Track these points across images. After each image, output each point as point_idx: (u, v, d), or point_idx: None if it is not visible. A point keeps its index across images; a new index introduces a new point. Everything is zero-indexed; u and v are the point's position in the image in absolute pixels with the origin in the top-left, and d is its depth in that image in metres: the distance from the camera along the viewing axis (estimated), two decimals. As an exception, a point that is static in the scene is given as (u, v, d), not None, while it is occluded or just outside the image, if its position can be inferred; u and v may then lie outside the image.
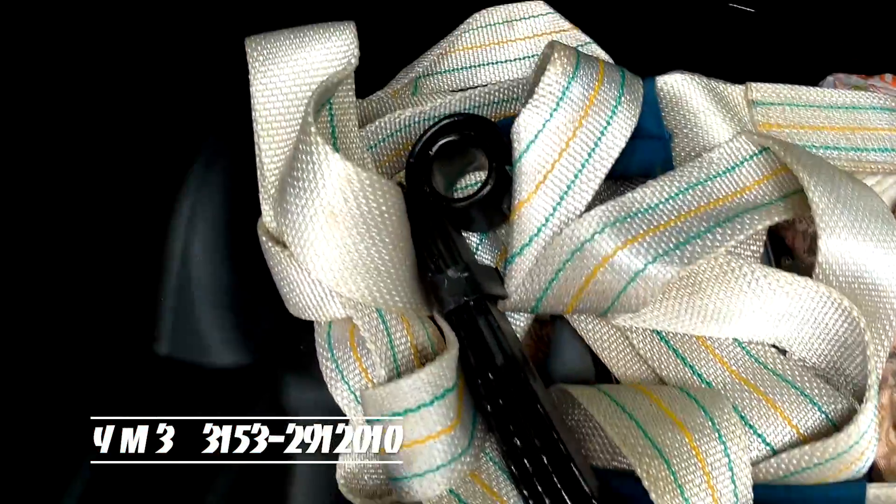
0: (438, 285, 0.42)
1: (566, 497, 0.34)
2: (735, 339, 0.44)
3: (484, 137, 0.46)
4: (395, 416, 0.34)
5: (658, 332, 0.44)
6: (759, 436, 0.39)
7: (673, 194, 0.43)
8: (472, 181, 0.49)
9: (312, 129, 0.37)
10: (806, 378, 0.42)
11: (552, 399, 0.41)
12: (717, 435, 0.37)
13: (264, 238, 0.43)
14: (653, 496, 0.34)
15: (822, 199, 0.40)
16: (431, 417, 0.34)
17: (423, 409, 0.34)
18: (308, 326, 0.44)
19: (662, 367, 0.44)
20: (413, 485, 0.35)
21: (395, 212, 0.38)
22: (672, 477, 0.34)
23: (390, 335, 0.38)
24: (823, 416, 0.40)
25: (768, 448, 0.39)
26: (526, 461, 0.35)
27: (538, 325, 0.50)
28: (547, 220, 0.42)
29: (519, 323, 0.46)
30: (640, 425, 0.37)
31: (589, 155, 0.42)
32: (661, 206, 0.42)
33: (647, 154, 0.46)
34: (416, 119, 0.50)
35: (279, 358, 0.50)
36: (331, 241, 0.37)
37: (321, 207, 0.37)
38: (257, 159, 0.43)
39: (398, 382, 0.34)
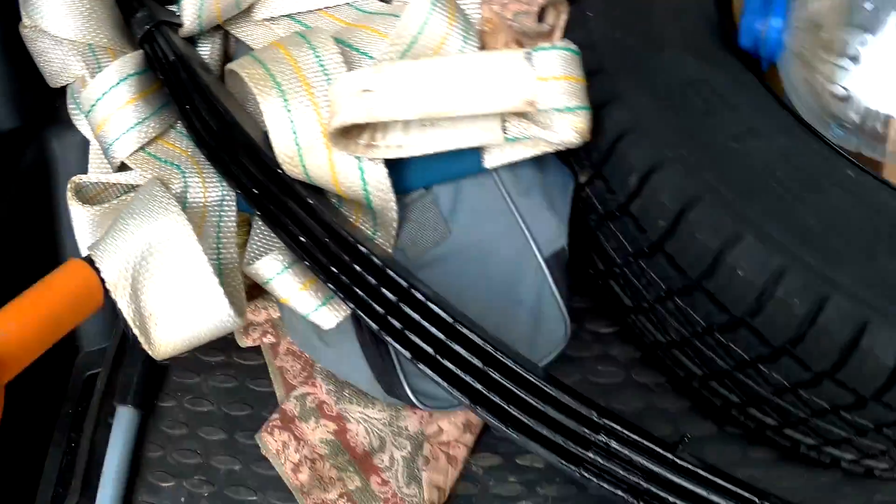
0: (133, 24, 0.64)
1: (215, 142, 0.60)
2: (347, 3, 0.66)
3: None
4: (99, 101, 0.58)
5: (291, 16, 0.66)
6: (358, 50, 0.63)
7: None
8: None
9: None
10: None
11: (219, 83, 0.64)
12: (315, 57, 0.61)
13: (23, 30, 0.64)
14: (263, 106, 0.58)
15: None
16: (120, 92, 0.58)
17: (113, 90, 0.58)
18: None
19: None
20: (114, 148, 0.61)
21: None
22: (279, 91, 0.59)
23: (98, 60, 0.61)
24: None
25: (367, 57, 0.63)
26: (195, 119, 0.61)
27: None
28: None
29: (205, 49, 0.69)
30: (265, 65, 0.61)
31: None
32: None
33: None
34: None
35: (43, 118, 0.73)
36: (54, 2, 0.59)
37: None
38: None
39: (97, 77, 0.58)
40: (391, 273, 0.59)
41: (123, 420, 0.71)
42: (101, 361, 0.74)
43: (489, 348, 0.57)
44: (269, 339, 0.73)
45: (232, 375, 0.74)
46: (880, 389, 0.54)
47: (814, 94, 0.66)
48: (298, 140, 0.60)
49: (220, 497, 0.70)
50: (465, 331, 0.58)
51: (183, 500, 0.70)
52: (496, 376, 0.57)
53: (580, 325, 0.73)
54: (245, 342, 0.74)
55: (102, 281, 0.60)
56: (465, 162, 0.61)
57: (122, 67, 0.64)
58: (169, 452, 0.72)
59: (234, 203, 0.66)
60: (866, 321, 0.52)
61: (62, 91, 0.69)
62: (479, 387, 0.57)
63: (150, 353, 0.62)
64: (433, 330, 0.58)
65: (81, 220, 0.65)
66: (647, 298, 0.63)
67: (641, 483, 0.57)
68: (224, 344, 0.74)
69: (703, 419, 0.70)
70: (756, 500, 0.57)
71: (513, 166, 0.62)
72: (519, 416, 0.57)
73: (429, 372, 0.58)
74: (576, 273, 0.69)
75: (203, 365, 0.75)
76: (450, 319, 0.57)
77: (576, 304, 0.73)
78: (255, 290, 0.75)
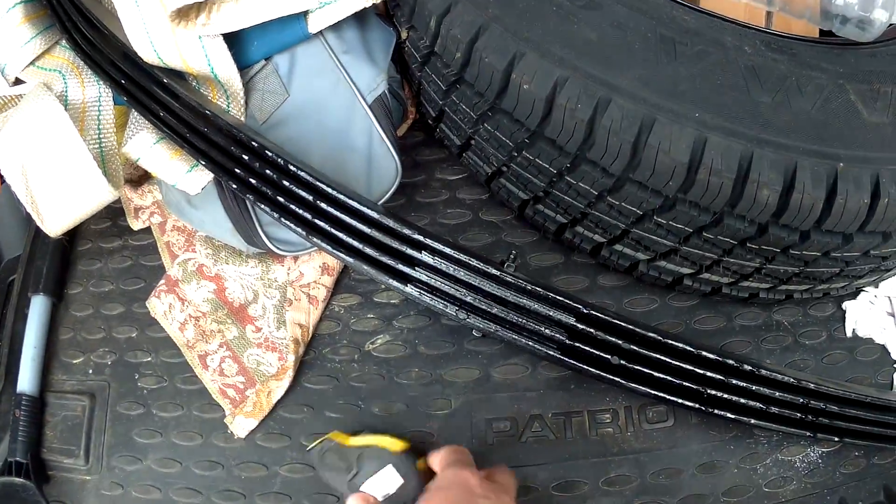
0: None
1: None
2: None
3: None
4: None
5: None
6: None
7: None
8: None
9: None
10: None
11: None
12: None
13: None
14: (115, 3, 0.68)
15: None
16: (12, 16, 0.69)
17: (5, 15, 0.69)
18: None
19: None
20: (9, 66, 0.71)
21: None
22: None
23: None
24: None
25: None
26: (73, 32, 0.71)
27: None
28: None
29: None
30: None
31: None
32: None
33: None
34: None
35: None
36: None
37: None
38: None
39: None
40: (241, 135, 0.68)
41: (37, 307, 0.81)
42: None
43: (323, 186, 0.65)
44: (156, 218, 0.83)
45: (127, 256, 0.84)
46: (681, 187, 0.60)
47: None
48: (147, 28, 0.69)
49: (120, 363, 0.80)
50: (305, 175, 0.66)
51: (90, 371, 0.80)
52: (329, 209, 0.65)
53: (430, 174, 0.81)
54: (136, 224, 0.84)
55: (-1, 171, 0.71)
56: (293, 30, 0.70)
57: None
58: (78, 332, 0.82)
59: (111, 99, 0.76)
60: (653, 119, 0.58)
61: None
62: (317, 221, 0.65)
63: (44, 230, 0.73)
64: (278, 179, 0.66)
65: (-17, 128, 0.76)
66: (467, 132, 0.70)
67: (467, 297, 0.64)
68: (119, 230, 0.85)
69: (550, 251, 0.77)
70: (582, 308, 0.64)
71: (337, 29, 0.70)
72: (350, 241, 0.65)
73: (273, 213, 0.66)
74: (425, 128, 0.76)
75: (103, 251, 0.85)
76: (292, 167, 0.66)
77: (425, 157, 0.80)
78: (143, 179, 0.85)
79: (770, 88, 0.62)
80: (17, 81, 0.79)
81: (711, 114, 0.60)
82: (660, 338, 0.64)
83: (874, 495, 0.75)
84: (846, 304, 0.80)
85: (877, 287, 0.81)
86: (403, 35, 0.71)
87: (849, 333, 0.79)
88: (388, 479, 0.66)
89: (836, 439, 0.70)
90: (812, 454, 0.74)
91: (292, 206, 0.67)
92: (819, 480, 0.74)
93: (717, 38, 0.64)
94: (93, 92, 0.76)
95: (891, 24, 0.71)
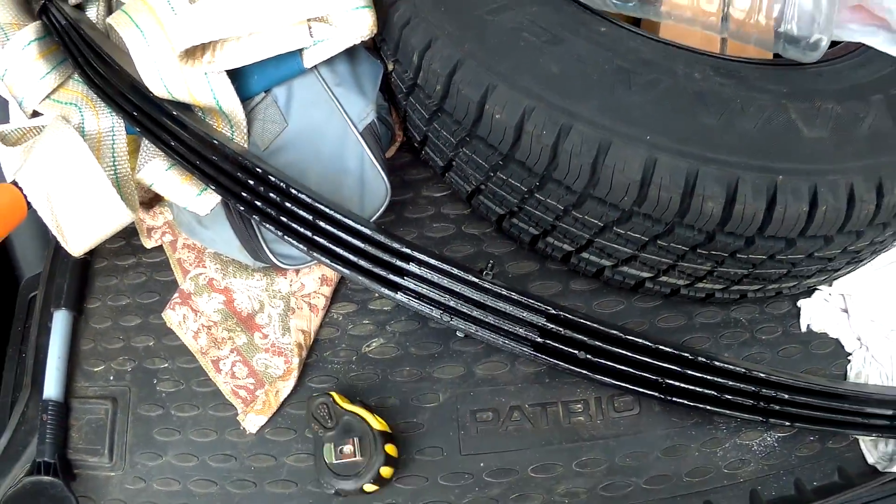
0: (31, 1, 0.83)
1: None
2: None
3: None
4: (11, 65, 0.78)
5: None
6: None
7: None
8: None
9: None
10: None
11: (104, 37, 0.83)
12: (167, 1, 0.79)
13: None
14: (127, 43, 0.76)
15: None
16: (27, 53, 0.78)
17: (21, 53, 0.78)
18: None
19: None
20: (27, 99, 0.80)
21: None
22: (139, 29, 0.77)
23: (6, 34, 0.81)
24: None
25: None
26: (86, 67, 0.79)
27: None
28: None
29: (91, 12, 0.88)
30: (127, 13, 0.79)
31: None
32: None
33: None
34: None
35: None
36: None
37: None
38: None
39: (6, 46, 0.77)
40: (246, 161, 0.77)
41: (59, 321, 0.90)
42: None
43: (321, 206, 0.74)
44: (167, 237, 0.92)
45: (142, 272, 0.93)
46: (635, 201, 0.68)
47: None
48: (158, 66, 0.78)
49: (139, 369, 0.88)
50: (304, 197, 0.75)
51: (111, 377, 0.89)
52: (326, 226, 0.74)
53: (417, 192, 0.90)
54: (149, 243, 0.93)
55: (26, 197, 0.80)
56: (290, 65, 0.78)
57: (26, 35, 0.83)
58: (98, 342, 0.91)
59: (123, 129, 0.85)
60: (609, 142, 0.67)
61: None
62: (315, 237, 0.74)
63: (68, 250, 0.81)
64: (280, 200, 0.75)
65: (7, 158, 0.84)
66: (448, 155, 0.78)
67: (450, 302, 0.73)
68: (133, 249, 0.94)
69: (526, 259, 0.86)
70: (551, 309, 0.73)
71: (330, 63, 0.79)
72: (346, 254, 0.73)
73: (277, 231, 0.75)
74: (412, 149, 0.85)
75: (119, 268, 0.94)
76: (293, 190, 0.74)
77: (413, 176, 0.89)
78: (154, 201, 0.93)
79: (715, 111, 0.70)
80: (35, 114, 0.88)
81: (661, 136, 0.68)
82: (621, 334, 0.73)
83: (829, 476, 0.83)
84: (801, 302, 0.88)
85: (830, 285, 0.89)
86: (390, 67, 0.80)
87: (804, 329, 0.87)
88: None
89: (788, 424, 0.79)
90: (769, 438, 0.82)
91: (294, 225, 0.75)
92: (776, 462, 0.82)
93: (669, 66, 0.73)
94: (107, 123, 0.85)
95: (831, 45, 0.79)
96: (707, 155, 0.68)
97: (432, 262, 0.73)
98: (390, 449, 0.78)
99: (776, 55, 0.81)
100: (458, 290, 0.74)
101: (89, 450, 0.86)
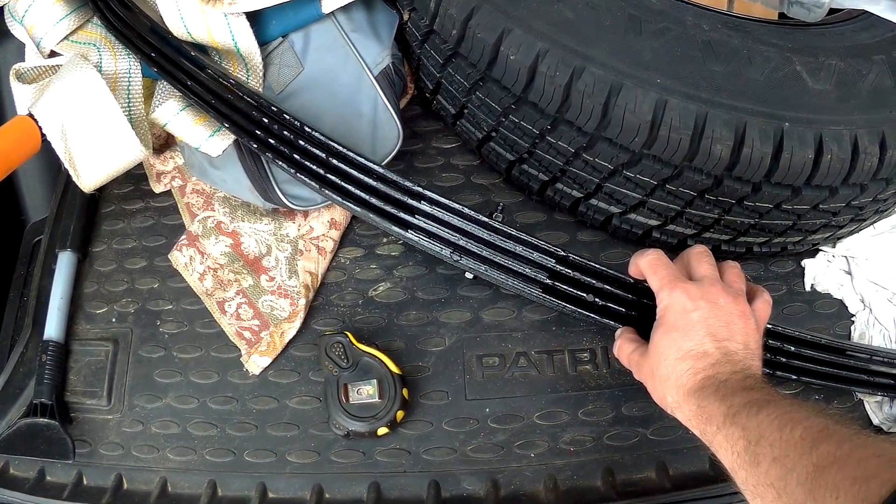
0: None
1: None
2: None
3: None
4: (30, 7, 0.83)
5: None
6: None
7: None
8: None
9: None
10: None
11: None
12: None
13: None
14: None
15: None
16: None
17: None
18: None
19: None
20: (45, 40, 0.85)
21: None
22: None
23: None
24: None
25: None
26: (105, 10, 0.85)
27: None
28: None
29: None
30: None
31: None
32: None
33: None
34: None
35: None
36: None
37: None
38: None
39: None
40: (261, 101, 0.82)
41: (63, 262, 0.95)
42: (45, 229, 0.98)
43: (335, 145, 0.79)
44: (177, 182, 0.97)
45: (149, 216, 0.98)
46: (645, 143, 0.74)
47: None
48: (179, 6, 0.83)
49: (143, 311, 0.93)
50: (318, 135, 0.80)
51: (114, 319, 0.93)
52: (339, 164, 0.79)
53: (427, 143, 0.96)
54: (158, 188, 0.98)
55: (41, 129, 0.84)
56: (308, 10, 0.85)
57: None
58: (102, 285, 0.95)
59: (140, 71, 0.90)
60: (621, 84, 0.72)
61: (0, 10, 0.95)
62: (328, 175, 0.78)
63: (79, 185, 0.86)
64: (294, 139, 0.80)
65: (21, 95, 0.89)
66: (461, 101, 0.84)
67: (460, 241, 0.77)
68: (141, 193, 0.99)
69: (534, 210, 0.91)
70: (560, 252, 0.78)
71: (347, 10, 0.85)
72: (358, 192, 0.78)
73: (290, 169, 0.80)
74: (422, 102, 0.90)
75: (126, 212, 0.99)
76: (307, 129, 0.79)
77: (423, 128, 0.94)
78: (164, 147, 0.98)
79: (723, 59, 0.76)
80: (52, 54, 0.93)
81: (671, 80, 0.74)
82: (630, 279, 0.77)
83: (833, 435, 0.88)
84: (805, 262, 0.93)
85: (834, 247, 0.94)
86: (405, 16, 0.86)
87: (807, 288, 0.92)
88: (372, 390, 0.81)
89: (795, 378, 0.83)
90: (774, 395, 0.86)
91: (307, 163, 0.80)
92: (781, 419, 0.86)
93: (678, 16, 0.79)
94: (123, 65, 0.90)
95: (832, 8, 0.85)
96: (716, 99, 0.74)
97: (443, 201, 0.78)
98: (405, 392, 0.83)
99: (781, 15, 0.88)
100: (468, 229, 0.79)
101: (88, 392, 0.90)
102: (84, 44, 0.91)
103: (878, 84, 0.79)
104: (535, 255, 0.78)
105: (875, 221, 0.95)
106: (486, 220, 0.78)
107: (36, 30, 0.92)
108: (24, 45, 0.95)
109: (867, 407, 0.90)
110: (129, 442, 0.88)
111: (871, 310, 0.93)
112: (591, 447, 0.83)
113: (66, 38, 0.92)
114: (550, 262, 0.78)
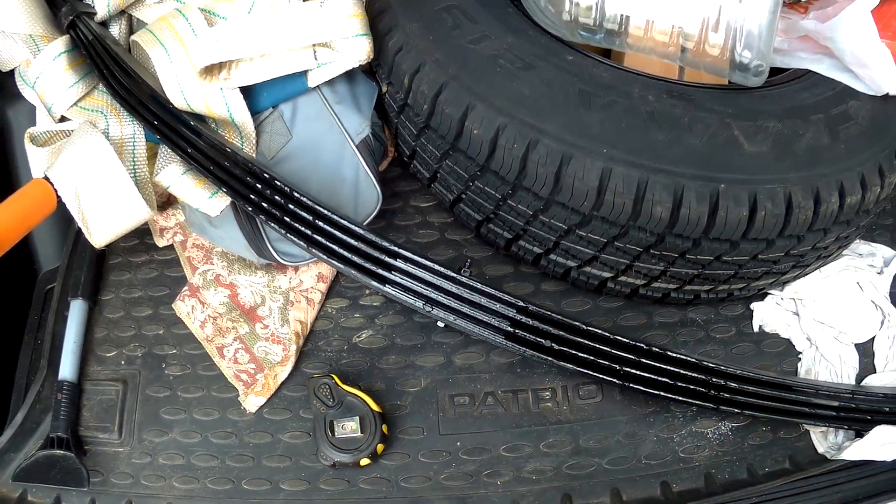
0: (59, 16, 1.02)
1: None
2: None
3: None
4: (41, 73, 0.97)
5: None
6: (216, 14, 1.00)
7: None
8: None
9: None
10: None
11: (126, 52, 1.02)
12: (186, 22, 0.98)
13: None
14: (152, 60, 0.95)
15: None
16: (57, 64, 0.97)
17: (51, 63, 0.97)
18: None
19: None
20: (56, 105, 0.99)
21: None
22: (163, 48, 0.96)
23: (38, 46, 1.00)
24: None
25: (223, 18, 1.00)
26: (110, 79, 0.98)
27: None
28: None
29: (115, 29, 1.07)
30: (153, 32, 0.98)
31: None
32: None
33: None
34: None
35: None
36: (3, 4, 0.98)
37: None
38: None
39: (38, 57, 0.96)
40: (254, 168, 0.95)
41: (76, 310, 1.09)
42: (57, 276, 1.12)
43: (321, 209, 0.92)
44: (178, 237, 1.11)
45: (154, 268, 1.13)
46: (594, 206, 0.86)
47: (557, 11, 0.98)
48: (179, 80, 0.97)
49: (150, 355, 1.07)
50: (305, 200, 0.93)
51: (123, 362, 1.07)
52: (324, 226, 0.92)
53: (405, 202, 1.10)
54: (161, 242, 1.13)
55: (56, 192, 0.98)
56: (295, 84, 0.98)
57: (56, 48, 1.04)
58: (111, 330, 1.10)
59: (143, 136, 1.03)
60: (571, 155, 0.85)
61: (11, 73, 1.09)
62: (314, 236, 0.92)
63: (91, 242, 0.99)
64: (284, 203, 0.93)
65: (36, 157, 1.03)
66: (433, 167, 0.97)
67: (432, 294, 0.90)
68: (146, 247, 1.14)
69: (502, 263, 1.05)
70: (520, 303, 0.90)
71: (331, 84, 0.99)
72: (341, 251, 0.91)
73: (280, 230, 0.93)
74: (402, 164, 1.03)
75: (132, 264, 1.14)
76: (296, 194, 0.93)
77: (402, 188, 1.07)
78: (166, 204, 1.12)
79: (665, 128, 0.89)
80: (62, 119, 1.07)
81: (616, 150, 0.87)
82: (583, 325, 0.90)
83: (780, 463, 1.00)
84: (754, 305, 1.05)
85: (782, 290, 1.06)
86: (384, 88, 0.99)
87: (756, 329, 1.04)
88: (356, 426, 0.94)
89: (738, 411, 0.95)
90: (723, 427, 0.99)
91: (295, 224, 0.94)
92: (729, 449, 0.98)
93: (626, 89, 0.92)
94: (128, 130, 1.04)
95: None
96: (656, 166, 0.87)
97: (417, 258, 0.91)
98: (384, 428, 0.96)
99: (731, 81, 1.00)
100: (438, 283, 0.92)
101: (100, 427, 1.04)
102: (92, 110, 1.05)
103: (814, 143, 0.90)
104: (498, 306, 0.91)
105: (820, 266, 1.07)
106: (454, 274, 0.91)
107: (47, 95, 1.06)
108: (34, 107, 1.09)
109: (813, 437, 1.02)
110: (138, 472, 1.01)
111: (817, 347, 1.05)
112: (551, 475, 0.96)
113: (75, 104, 1.06)
114: (511, 312, 0.91)
